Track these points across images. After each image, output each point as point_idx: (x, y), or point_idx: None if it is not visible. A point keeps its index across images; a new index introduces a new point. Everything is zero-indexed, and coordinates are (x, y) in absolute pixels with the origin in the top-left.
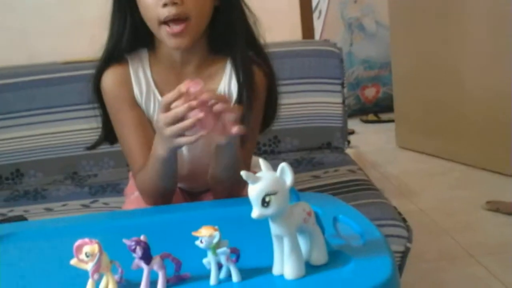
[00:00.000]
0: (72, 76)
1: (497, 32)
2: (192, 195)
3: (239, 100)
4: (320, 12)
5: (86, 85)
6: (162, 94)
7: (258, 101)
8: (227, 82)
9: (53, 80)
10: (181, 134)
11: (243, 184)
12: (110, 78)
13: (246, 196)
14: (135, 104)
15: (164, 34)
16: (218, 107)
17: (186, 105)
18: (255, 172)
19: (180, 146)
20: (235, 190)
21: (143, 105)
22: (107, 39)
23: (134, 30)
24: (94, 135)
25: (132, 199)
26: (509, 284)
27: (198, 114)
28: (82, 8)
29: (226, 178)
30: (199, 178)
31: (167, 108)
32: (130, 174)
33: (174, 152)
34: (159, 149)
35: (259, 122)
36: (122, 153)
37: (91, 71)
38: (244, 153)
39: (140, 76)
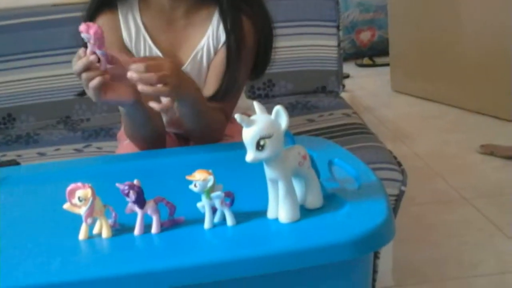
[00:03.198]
0: (62, 19)
1: None
2: (187, 140)
3: (227, 46)
4: None
5: (77, 28)
6: (152, 38)
7: (245, 50)
8: (215, 28)
9: (43, 23)
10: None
11: (218, 135)
12: (99, 23)
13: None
14: (124, 48)
15: None
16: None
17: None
18: (249, 115)
19: (94, 98)
20: (210, 141)
21: (133, 49)
22: None
23: None
24: None
25: (125, 144)
26: (502, 226)
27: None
28: None
29: (195, 129)
30: (181, 127)
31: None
32: (121, 118)
33: (129, 107)
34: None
35: (246, 71)
36: None
37: (81, 14)
38: (225, 103)
39: (129, 21)
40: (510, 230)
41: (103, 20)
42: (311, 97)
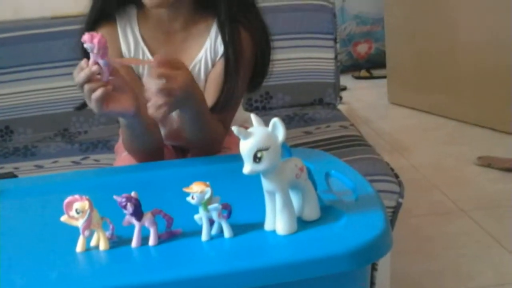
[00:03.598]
0: (61, 32)
1: None
2: (184, 152)
3: (225, 59)
4: None
5: (76, 41)
6: (150, 50)
7: (243, 62)
8: (213, 41)
9: (42, 36)
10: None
11: (218, 146)
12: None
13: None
14: None
15: None
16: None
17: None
18: (246, 128)
19: (96, 109)
20: (210, 152)
21: None
22: None
23: None
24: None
25: (123, 157)
26: (500, 238)
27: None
28: None
29: (196, 140)
30: (179, 139)
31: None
32: (120, 130)
33: (129, 118)
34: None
35: (243, 83)
36: None
37: (80, 26)
38: (223, 115)
39: (127, 33)
40: (507, 242)
41: (102, 32)
42: (308, 109)
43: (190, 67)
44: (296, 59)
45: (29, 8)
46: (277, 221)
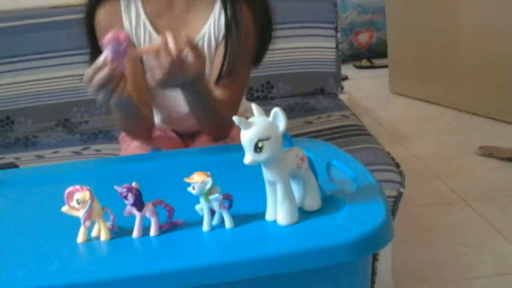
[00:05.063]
0: (61, 21)
1: None
2: (189, 140)
3: (227, 35)
4: None
5: (76, 30)
6: (153, 25)
7: (246, 37)
8: (217, 17)
9: (42, 25)
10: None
11: (229, 124)
12: (102, 14)
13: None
14: None
15: None
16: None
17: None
18: (247, 118)
19: (116, 106)
20: (221, 129)
21: (134, 36)
22: None
23: None
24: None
25: (131, 148)
26: (500, 228)
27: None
28: None
29: (205, 118)
30: (183, 122)
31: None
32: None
33: (121, 104)
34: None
35: (248, 59)
36: None
37: (80, 15)
38: (230, 91)
39: (131, 8)
40: (508, 231)
41: (105, 9)
42: (310, 99)
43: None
44: (297, 48)
45: None
46: (278, 211)
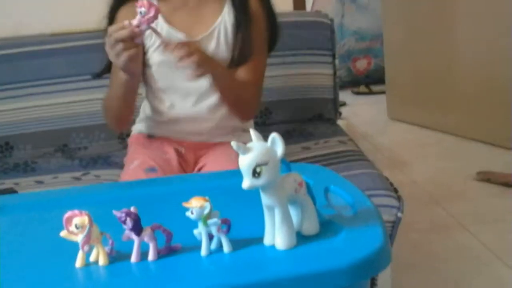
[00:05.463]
0: (60, 48)
1: None
2: (185, 156)
3: (237, 25)
4: None
5: (75, 57)
6: (167, 21)
7: (256, 25)
8: (231, 5)
9: (41, 52)
10: (120, 54)
11: (255, 104)
12: (123, 11)
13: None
14: None
15: None
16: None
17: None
18: (245, 143)
19: (122, 65)
20: (245, 112)
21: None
22: None
23: None
24: (84, 107)
25: (131, 169)
26: (499, 253)
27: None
28: None
29: (229, 98)
30: (203, 121)
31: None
32: (129, 140)
33: (131, 76)
34: (121, 72)
35: (262, 46)
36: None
37: (80, 43)
38: (252, 73)
39: None
40: (507, 257)
41: (127, 7)
42: (308, 125)
43: (208, 32)
44: (295, 75)
45: (28, 25)
46: (276, 236)
